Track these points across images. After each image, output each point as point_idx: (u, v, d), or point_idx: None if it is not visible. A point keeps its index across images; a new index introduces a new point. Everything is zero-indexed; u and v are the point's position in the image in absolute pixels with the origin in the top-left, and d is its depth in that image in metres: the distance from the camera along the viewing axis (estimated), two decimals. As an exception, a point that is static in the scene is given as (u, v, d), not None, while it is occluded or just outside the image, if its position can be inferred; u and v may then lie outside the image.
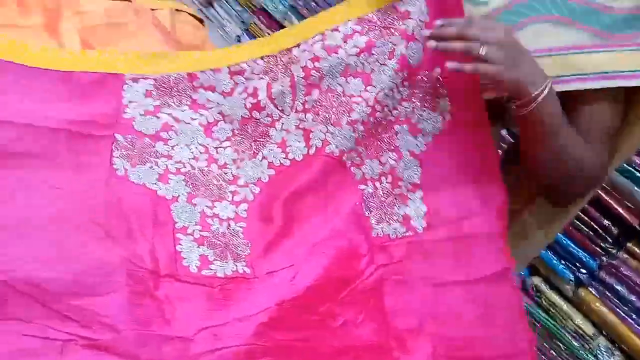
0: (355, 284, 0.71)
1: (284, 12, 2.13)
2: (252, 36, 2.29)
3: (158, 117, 0.75)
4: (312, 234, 0.74)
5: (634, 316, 1.38)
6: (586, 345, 1.45)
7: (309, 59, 0.77)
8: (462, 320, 0.74)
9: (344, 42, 0.77)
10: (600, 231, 1.43)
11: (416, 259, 0.75)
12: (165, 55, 0.77)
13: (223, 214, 0.73)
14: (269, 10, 2.18)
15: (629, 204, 1.37)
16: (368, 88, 0.77)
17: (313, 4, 2.04)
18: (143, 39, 1.00)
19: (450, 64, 0.70)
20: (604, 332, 1.44)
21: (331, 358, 0.67)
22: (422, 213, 0.79)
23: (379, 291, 0.72)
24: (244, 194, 0.76)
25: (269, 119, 0.78)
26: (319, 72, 0.77)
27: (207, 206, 0.73)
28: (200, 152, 0.76)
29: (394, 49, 0.77)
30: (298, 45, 0.77)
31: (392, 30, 0.77)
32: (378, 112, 0.78)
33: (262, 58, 0.77)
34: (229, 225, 0.73)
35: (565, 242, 1.46)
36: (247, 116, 0.77)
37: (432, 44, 0.71)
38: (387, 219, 0.78)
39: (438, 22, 0.72)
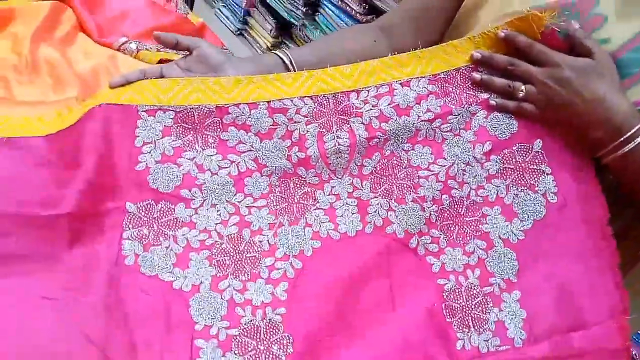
0: None
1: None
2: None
3: (178, 166, 0.61)
4: (375, 338, 0.58)
5: None
6: None
7: (375, 117, 0.65)
8: None
9: (417, 103, 0.66)
10: None
11: None
12: (188, 82, 0.63)
13: (257, 299, 0.59)
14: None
15: None
16: (438, 161, 0.66)
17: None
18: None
19: (492, 101, 0.66)
20: None
21: None
22: (520, 320, 0.62)
23: None
24: (284, 270, 0.61)
25: (317, 179, 0.65)
26: (385, 135, 0.65)
27: (236, 290, 0.59)
28: (230, 213, 0.62)
29: (471, 119, 0.66)
30: (357, 92, 0.65)
31: (471, 98, 0.67)
32: (454, 190, 0.65)
33: (310, 97, 0.64)
34: (265, 313, 0.58)
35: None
36: (290, 171, 0.64)
37: (476, 76, 0.67)
38: (475, 326, 0.61)
39: (498, 56, 0.66)
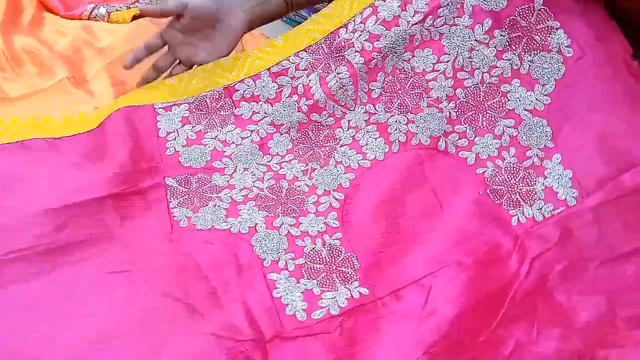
0: (513, 292, 0.55)
1: None
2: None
3: (204, 145, 0.65)
4: (431, 240, 0.59)
5: None
6: None
7: (365, 40, 0.65)
8: None
9: (402, 9, 0.64)
10: None
11: (578, 237, 0.57)
12: (193, 75, 0.68)
13: (312, 230, 0.60)
14: None
15: None
16: (442, 57, 0.65)
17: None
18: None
19: None
20: None
21: None
22: (567, 180, 0.60)
23: (546, 289, 0.55)
24: (329, 202, 0.63)
25: (332, 119, 0.67)
26: (381, 53, 0.65)
27: (291, 225, 0.61)
28: (263, 172, 0.65)
29: (462, 3, 0.63)
30: (345, 27, 0.66)
31: None
32: (466, 80, 0.64)
33: (305, 50, 0.67)
34: (324, 241, 0.60)
35: None
36: (305, 121, 0.67)
37: None
38: (525, 200, 0.60)
39: None
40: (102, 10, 1.00)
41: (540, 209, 0.60)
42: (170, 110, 0.67)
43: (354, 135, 0.66)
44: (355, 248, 0.58)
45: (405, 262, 0.57)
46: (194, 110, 0.67)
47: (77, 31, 0.91)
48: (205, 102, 0.68)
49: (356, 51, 0.65)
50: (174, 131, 0.66)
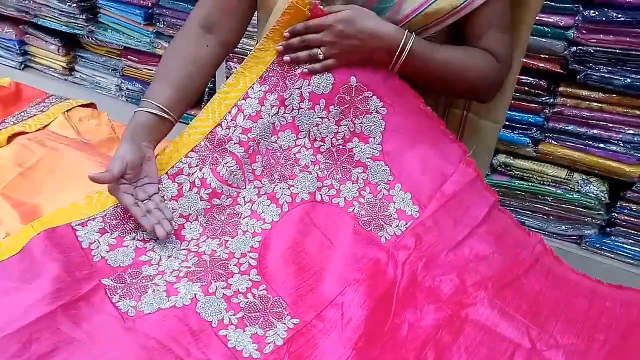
0: (397, 290, 0.74)
1: (150, 42, 2.04)
2: (130, 79, 2.19)
3: (126, 247, 0.76)
4: (332, 268, 0.76)
5: (592, 143, 1.53)
6: (567, 187, 1.59)
7: (240, 133, 0.83)
8: (488, 259, 0.80)
9: (261, 105, 0.83)
10: (533, 90, 1.54)
11: (427, 238, 0.80)
12: (101, 193, 0.79)
13: (242, 287, 0.74)
14: (133, 47, 2.08)
15: (544, 56, 1.48)
16: (299, 135, 0.84)
17: (174, 20, 1.96)
18: (66, 164, 0.96)
19: (304, 68, 0.83)
20: (575, 168, 1.59)
21: (421, 352, 0.69)
22: (409, 201, 0.83)
23: (417, 281, 0.76)
24: (247, 261, 0.77)
25: (230, 199, 0.82)
26: (255, 141, 0.83)
27: (223, 288, 0.73)
28: (185, 255, 0.77)
29: (300, 92, 0.83)
30: (219, 125, 0.83)
31: (293, 77, 0.83)
32: (322, 146, 0.84)
33: (192, 150, 0.83)
34: (254, 294, 0.74)
35: (508, 114, 1.56)
36: (208, 206, 0.81)
37: (286, 58, 0.83)
38: (386, 222, 0.82)
39: (285, 33, 0.82)
40: (-27, 138, 1.03)
41: (397, 226, 0.82)
42: (86, 225, 0.76)
43: (250, 207, 0.82)
44: (279, 292, 0.74)
45: (318, 291, 0.75)
46: (108, 220, 0.77)
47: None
48: (117, 212, 0.78)
49: (235, 143, 0.82)
50: (95, 241, 0.75)
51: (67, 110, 1.16)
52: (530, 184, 1.61)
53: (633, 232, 1.54)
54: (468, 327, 0.71)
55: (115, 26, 2.07)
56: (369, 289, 0.74)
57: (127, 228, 0.78)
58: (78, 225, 0.76)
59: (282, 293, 0.74)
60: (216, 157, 0.82)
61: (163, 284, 0.73)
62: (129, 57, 2.12)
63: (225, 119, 0.83)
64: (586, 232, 1.60)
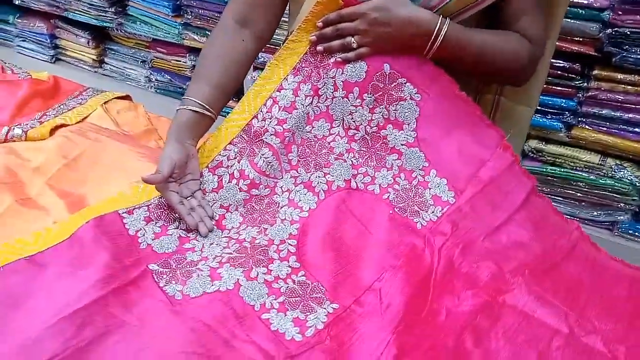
0: (434, 276, 0.75)
1: (178, 34, 2.06)
2: (159, 70, 2.22)
3: (170, 235, 0.79)
4: (369, 254, 0.77)
5: (626, 127, 1.50)
6: (601, 173, 1.57)
7: (276, 124, 0.84)
8: (526, 245, 0.80)
9: (296, 95, 0.84)
10: (566, 74, 1.52)
11: (463, 224, 0.80)
12: (145, 186, 0.81)
13: (282, 273, 0.76)
14: (162, 39, 2.11)
15: (578, 39, 1.46)
16: (333, 124, 0.85)
17: (202, 11, 1.98)
18: (109, 155, 0.99)
19: (338, 57, 0.83)
20: (609, 153, 1.56)
21: (459, 337, 0.69)
22: (444, 187, 0.83)
23: (454, 268, 0.76)
24: (286, 248, 0.79)
25: (268, 189, 0.84)
26: (290, 132, 0.84)
27: (264, 273, 0.75)
28: (227, 242, 0.79)
29: (334, 81, 0.83)
30: (255, 117, 0.85)
31: (326, 66, 0.83)
32: (357, 134, 0.85)
33: (230, 143, 0.85)
34: (293, 280, 0.75)
35: (540, 99, 1.54)
36: (247, 197, 0.83)
37: (320, 48, 0.83)
38: (421, 208, 0.82)
39: (318, 23, 0.83)
40: (18, 131, 1.07)
41: (434, 212, 0.82)
42: (133, 213, 0.78)
43: (288, 197, 0.84)
44: (318, 278, 0.75)
45: (356, 276, 0.76)
46: (153, 210, 0.80)
47: (4, 157, 0.97)
48: (162, 202, 0.80)
49: (271, 134, 0.84)
50: (141, 229, 0.78)
51: (105, 103, 1.19)
52: (562, 169, 1.60)
53: (668, 217, 1.52)
54: (506, 312, 0.71)
55: (143, 18, 2.10)
56: (406, 275, 0.75)
57: (171, 218, 0.80)
58: (125, 213, 0.78)
59: (321, 279, 0.75)
60: (253, 148, 0.84)
61: (207, 269, 0.75)
62: (157, 48, 2.15)
63: (261, 111, 0.84)
64: (619, 218, 1.58)
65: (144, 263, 0.75)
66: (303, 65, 0.84)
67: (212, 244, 0.79)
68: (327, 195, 0.83)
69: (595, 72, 1.47)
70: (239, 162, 0.84)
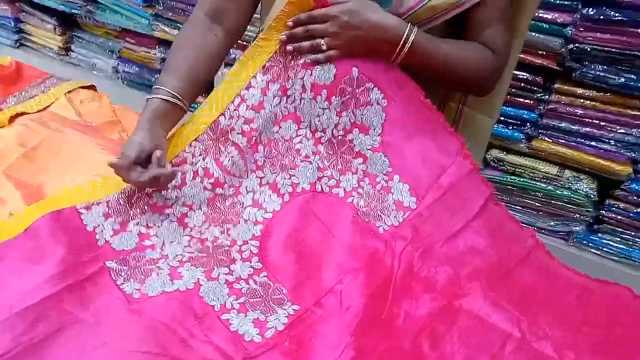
0: (394, 280, 0.76)
1: (149, 24, 2.03)
2: (127, 61, 2.17)
3: (130, 232, 0.77)
4: (331, 257, 0.78)
5: (584, 141, 1.56)
6: (558, 184, 1.62)
7: (243, 123, 0.83)
8: (482, 252, 0.82)
9: (264, 95, 0.83)
10: (529, 86, 1.56)
11: (424, 229, 0.82)
12: (105, 179, 0.80)
13: (244, 274, 0.76)
14: (132, 29, 2.07)
15: (541, 52, 1.50)
16: (301, 125, 0.85)
17: (173, 2, 1.95)
18: (69, 146, 0.96)
19: (308, 58, 0.83)
20: (567, 165, 1.62)
21: (416, 340, 0.71)
22: (407, 192, 0.85)
23: (413, 271, 0.78)
24: (248, 249, 0.79)
25: (232, 189, 0.83)
26: (257, 131, 0.83)
27: (225, 274, 0.75)
28: (188, 241, 0.79)
29: (302, 82, 0.83)
30: (222, 115, 0.83)
31: (295, 67, 0.83)
32: (323, 136, 0.85)
33: (195, 140, 0.83)
34: (255, 280, 0.76)
35: (502, 109, 1.59)
36: (211, 195, 0.82)
37: (289, 48, 0.83)
38: (384, 212, 0.83)
39: (289, 22, 0.83)
40: (-25, 117, 1.03)
41: (396, 216, 0.84)
42: (91, 210, 0.77)
43: (252, 197, 0.83)
44: (279, 279, 0.76)
45: (318, 278, 0.77)
46: (112, 206, 0.78)
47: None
48: (122, 198, 0.79)
49: (238, 133, 0.83)
50: (99, 225, 0.76)
51: (69, 92, 1.16)
52: (521, 179, 1.64)
53: (620, 230, 1.58)
54: (462, 317, 0.73)
55: (113, 7, 2.05)
56: (367, 279, 0.76)
57: (133, 213, 0.79)
58: (83, 208, 0.77)
59: (283, 280, 0.76)
60: (219, 147, 0.83)
61: (167, 267, 0.75)
62: (126, 39, 2.11)
63: (229, 109, 0.83)
64: (574, 228, 1.64)
65: (101, 260, 0.74)
66: (272, 64, 0.84)
67: (172, 242, 0.78)
68: (292, 198, 0.84)
69: (557, 85, 1.53)
70: (204, 160, 0.83)
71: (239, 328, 0.70)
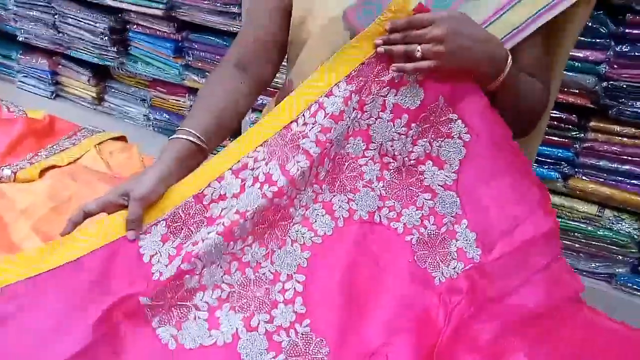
0: (441, 339, 0.70)
1: (179, 74, 2.08)
2: (158, 109, 2.22)
3: (180, 256, 0.70)
4: (381, 310, 0.72)
5: (623, 179, 1.49)
6: (598, 224, 1.55)
7: (318, 131, 0.74)
8: (531, 309, 0.75)
9: (346, 105, 0.75)
10: (563, 125, 1.52)
11: (480, 284, 0.74)
12: (169, 192, 0.72)
13: (285, 322, 0.69)
14: (162, 79, 2.12)
15: (575, 91, 1.47)
16: (370, 146, 0.77)
17: (202, 53, 2.00)
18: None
19: (392, 67, 0.74)
20: (607, 205, 1.55)
21: None
22: (472, 241, 0.77)
23: (460, 331, 0.71)
24: (292, 289, 0.72)
25: (288, 200, 0.74)
26: (331, 143, 0.75)
27: (266, 322, 0.69)
28: (229, 262, 0.71)
29: (384, 101, 0.76)
30: (295, 121, 0.75)
31: (380, 83, 0.76)
32: (391, 163, 0.78)
33: (261, 145, 0.74)
34: (296, 331, 0.69)
35: (538, 149, 1.54)
36: (267, 205, 0.72)
37: (380, 49, 0.75)
38: (443, 261, 0.76)
39: (387, 26, 0.75)
40: (7, 172, 1.05)
41: (454, 267, 0.76)
42: (149, 233, 0.69)
43: (303, 214, 0.74)
44: (322, 331, 0.69)
45: (363, 336, 0.70)
46: (170, 224, 0.70)
47: (-9, 201, 0.95)
48: (179, 214, 0.70)
49: (311, 141, 0.73)
50: (156, 253, 0.68)
51: (99, 144, 1.18)
52: (560, 219, 1.57)
53: (667, 271, 1.49)
54: None
55: (145, 58, 2.12)
56: (417, 340, 0.70)
57: (189, 232, 0.71)
58: (141, 234, 0.69)
59: (326, 332, 0.69)
60: (287, 153, 0.73)
61: (204, 308, 0.69)
62: (157, 88, 2.16)
63: (303, 115, 0.74)
64: (618, 270, 1.55)
65: (136, 290, 0.67)
66: (357, 74, 0.76)
67: (212, 262, 0.70)
68: (347, 224, 0.76)
69: (592, 123, 1.48)
70: (266, 165, 0.73)
71: None
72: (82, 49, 2.22)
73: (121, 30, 2.13)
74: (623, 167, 1.47)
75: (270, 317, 0.70)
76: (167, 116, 2.19)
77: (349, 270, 0.73)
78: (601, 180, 1.51)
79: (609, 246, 1.53)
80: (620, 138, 1.46)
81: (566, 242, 1.58)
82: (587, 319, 0.77)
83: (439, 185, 0.78)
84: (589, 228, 1.54)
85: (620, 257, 1.53)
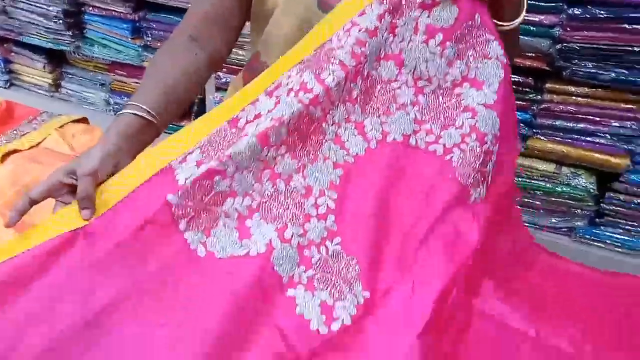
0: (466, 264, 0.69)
1: (138, 56, 2.04)
2: (119, 93, 2.18)
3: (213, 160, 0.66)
4: (416, 229, 0.71)
5: (579, 137, 1.56)
6: (556, 181, 1.62)
7: (354, 44, 0.71)
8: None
9: (379, 22, 0.72)
10: (521, 88, 1.57)
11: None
12: (194, 123, 0.69)
13: (316, 237, 0.67)
14: (121, 61, 2.08)
15: (531, 54, 1.51)
16: (402, 70, 0.74)
17: (162, 33, 1.97)
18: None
19: None
20: (563, 162, 1.62)
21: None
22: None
23: (496, 248, 0.72)
24: (325, 203, 0.69)
25: (322, 113, 0.71)
26: (366, 58, 0.72)
27: (299, 235, 0.66)
28: (261, 170, 0.68)
29: (417, 22, 0.73)
30: (330, 40, 0.72)
31: (412, 4, 0.73)
32: (426, 87, 0.75)
33: (294, 65, 0.72)
34: (327, 248, 0.68)
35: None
36: (302, 111, 0.69)
37: None
38: (482, 181, 0.74)
39: None
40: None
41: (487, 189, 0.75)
42: (185, 161, 0.65)
43: (336, 131, 0.72)
44: (353, 250, 0.67)
45: (394, 257, 0.68)
46: (205, 150, 0.66)
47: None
48: (214, 139, 0.67)
49: (347, 52, 0.70)
50: (191, 175, 0.65)
51: (60, 127, 1.16)
52: (520, 179, 1.64)
53: (622, 221, 1.58)
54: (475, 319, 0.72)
55: (102, 41, 2.07)
56: (447, 259, 0.68)
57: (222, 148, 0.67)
58: (177, 164, 0.66)
59: (357, 252, 0.68)
60: (322, 64, 0.70)
61: (234, 216, 0.66)
62: (116, 71, 2.12)
63: (337, 34, 0.72)
64: (576, 224, 1.63)
65: (165, 192, 0.62)
66: None
67: (245, 169, 0.67)
68: (380, 146, 0.73)
69: (548, 85, 1.53)
70: (300, 76, 0.70)
71: (305, 312, 0.63)
72: (35, 34, 2.14)
73: (76, 12, 2.06)
74: (578, 125, 1.54)
75: (303, 230, 0.67)
76: (127, 100, 2.15)
77: (382, 191, 0.71)
78: (558, 139, 1.57)
79: (567, 201, 1.60)
80: (574, 98, 1.51)
81: (527, 199, 1.65)
82: (545, 262, 0.82)
83: (479, 104, 0.75)
84: (548, 185, 1.61)
85: (579, 211, 1.61)
